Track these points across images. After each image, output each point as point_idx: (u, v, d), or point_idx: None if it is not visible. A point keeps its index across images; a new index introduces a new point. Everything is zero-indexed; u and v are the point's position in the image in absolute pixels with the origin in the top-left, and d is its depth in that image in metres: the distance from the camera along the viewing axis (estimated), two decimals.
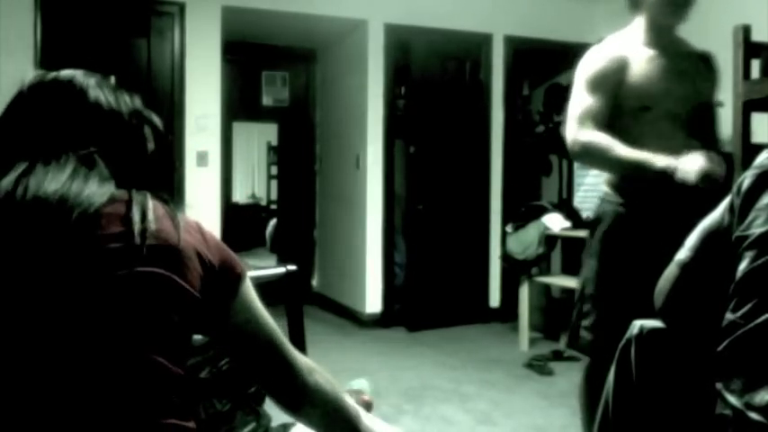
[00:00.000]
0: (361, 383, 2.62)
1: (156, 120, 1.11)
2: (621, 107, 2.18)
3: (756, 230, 1.19)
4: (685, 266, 1.35)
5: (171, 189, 1.13)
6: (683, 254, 1.36)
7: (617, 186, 2.27)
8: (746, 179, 1.26)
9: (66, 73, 1.05)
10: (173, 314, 0.94)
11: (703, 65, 2.29)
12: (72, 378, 0.88)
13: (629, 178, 2.19)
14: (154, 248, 0.93)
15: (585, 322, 2.25)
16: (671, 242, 1.99)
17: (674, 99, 2.17)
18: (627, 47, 2.22)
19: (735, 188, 1.28)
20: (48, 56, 4.38)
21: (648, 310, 1.43)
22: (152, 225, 0.94)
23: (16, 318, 0.87)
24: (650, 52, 2.19)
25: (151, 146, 1.09)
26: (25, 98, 1.03)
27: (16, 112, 1.03)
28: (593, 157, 2.19)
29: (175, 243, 0.95)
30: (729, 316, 1.20)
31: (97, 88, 1.05)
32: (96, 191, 0.94)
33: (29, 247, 0.89)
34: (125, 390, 0.89)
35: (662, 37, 2.21)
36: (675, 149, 2.06)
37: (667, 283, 1.38)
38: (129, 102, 1.07)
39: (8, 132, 1.02)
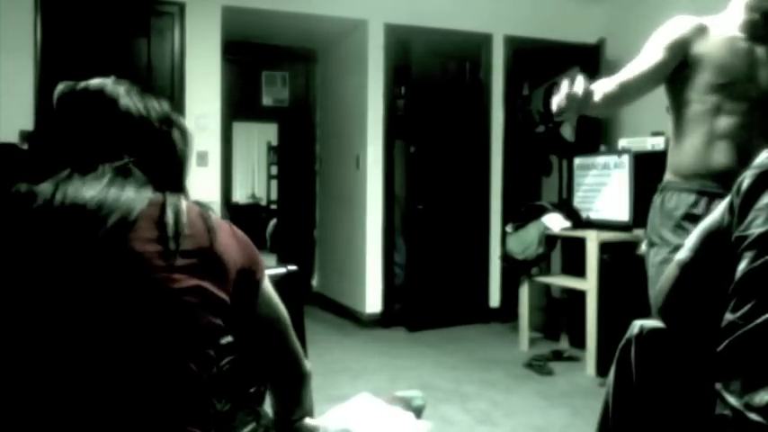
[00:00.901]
0: (414, 393, 2.60)
1: (184, 123, 1.13)
2: (698, 84, 2.13)
3: (756, 230, 1.19)
4: (685, 266, 1.35)
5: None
6: (682, 254, 1.36)
7: (679, 173, 2.20)
8: (746, 179, 1.26)
9: (95, 83, 1.06)
10: (205, 320, 0.95)
11: None
12: (103, 380, 0.88)
13: (694, 162, 2.13)
14: (188, 253, 0.93)
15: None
16: None
17: (754, 82, 2.12)
18: (716, 24, 2.17)
19: (735, 188, 1.28)
20: (48, 56, 4.38)
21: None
22: (186, 229, 0.95)
23: (53, 321, 0.88)
24: (740, 35, 2.14)
25: (182, 148, 1.10)
26: (57, 110, 1.04)
27: (49, 124, 1.04)
28: (596, 111, 2.13)
29: (208, 246, 0.97)
30: (729, 316, 1.20)
31: (126, 96, 1.05)
32: (135, 196, 0.95)
33: (67, 252, 0.90)
34: (158, 396, 0.90)
35: (756, 25, 2.14)
36: (746, 129, 2.06)
37: (667, 283, 1.38)
38: (157, 107, 1.08)
39: (42, 144, 1.04)
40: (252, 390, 2.40)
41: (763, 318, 1.13)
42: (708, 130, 2.12)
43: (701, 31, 2.15)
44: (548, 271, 4.93)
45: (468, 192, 5.59)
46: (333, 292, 6.15)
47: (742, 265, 1.19)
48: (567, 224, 4.49)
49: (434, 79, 5.46)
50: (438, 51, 5.47)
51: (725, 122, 2.11)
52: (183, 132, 1.12)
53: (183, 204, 0.99)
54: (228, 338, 2.79)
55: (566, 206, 4.76)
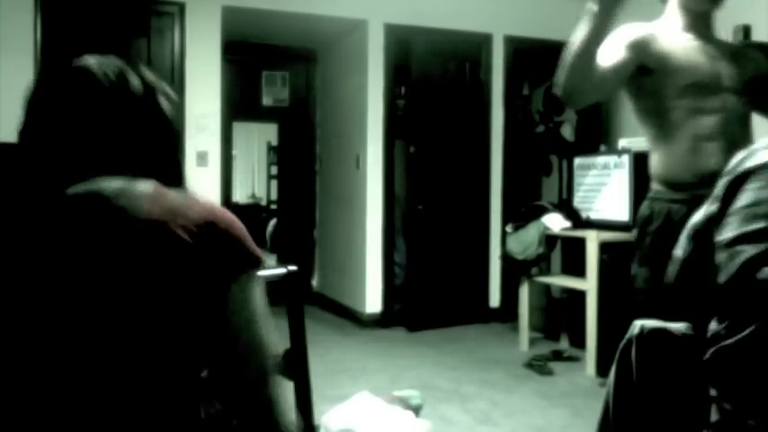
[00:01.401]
0: (414, 397, 2.58)
1: (169, 90, 1.08)
2: (669, 88, 2.07)
3: (728, 235, 1.20)
4: (682, 262, 1.36)
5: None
6: (678, 250, 1.37)
7: (668, 182, 2.10)
8: (719, 186, 1.27)
9: (80, 62, 1.04)
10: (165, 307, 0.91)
11: (745, 48, 2.21)
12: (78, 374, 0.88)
13: (681, 169, 2.04)
14: (147, 227, 0.92)
15: None
16: None
17: (723, 76, 2.07)
18: (662, 30, 2.13)
19: (712, 196, 1.30)
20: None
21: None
22: (152, 209, 0.93)
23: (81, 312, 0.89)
24: (688, 35, 2.10)
25: (172, 115, 1.06)
26: (41, 91, 1.03)
27: (38, 105, 1.02)
28: (568, 70, 2.03)
29: (169, 227, 0.93)
30: (713, 326, 1.20)
31: (98, 67, 1.03)
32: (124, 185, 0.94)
33: (64, 241, 0.90)
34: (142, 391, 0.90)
35: (698, 23, 2.11)
36: (726, 126, 2.01)
37: (670, 278, 1.39)
38: (139, 78, 1.05)
39: (34, 126, 1.01)
40: None
41: (742, 334, 1.13)
42: (690, 133, 2.05)
43: (654, 36, 2.09)
44: (548, 271, 4.93)
45: (468, 192, 5.59)
46: (333, 292, 6.15)
47: (720, 276, 1.20)
48: (567, 224, 4.49)
49: (434, 79, 5.46)
50: (438, 51, 5.47)
51: (706, 123, 2.05)
52: (170, 99, 1.07)
53: (151, 187, 0.95)
54: None
55: (566, 206, 4.76)
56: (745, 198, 1.22)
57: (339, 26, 5.57)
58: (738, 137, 2.03)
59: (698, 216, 1.34)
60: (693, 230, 1.34)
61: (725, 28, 2.71)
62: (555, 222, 4.53)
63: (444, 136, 5.48)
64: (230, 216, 1.00)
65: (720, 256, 1.20)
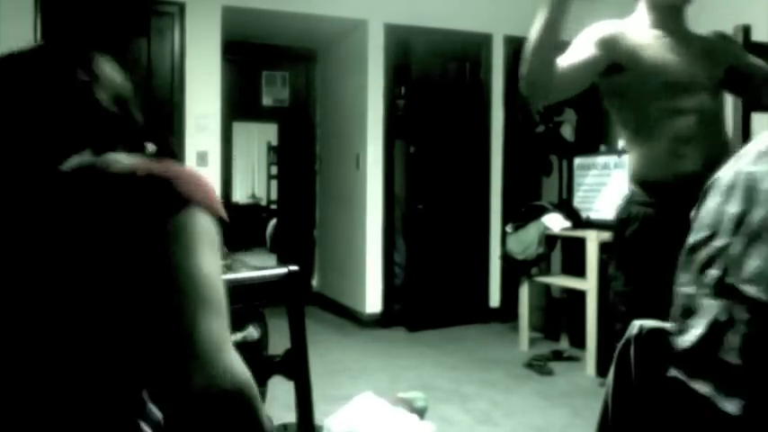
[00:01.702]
0: (416, 394, 2.56)
1: (109, 68, 1.04)
2: (641, 88, 2.01)
3: (690, 240, 1.27)
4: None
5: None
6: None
7: (645, 183, 2.04)
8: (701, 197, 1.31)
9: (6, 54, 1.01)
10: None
11: (718, 40, 2.15)
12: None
13: (658, 171, 1.98)
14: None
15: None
16: None
17: (697, 75, 2.01)
18: (633, 26, 2.09)
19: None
20: None
21: None
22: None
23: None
24: (659, 32, 2.05)
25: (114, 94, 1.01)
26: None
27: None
28: (527, 64, 2.00)
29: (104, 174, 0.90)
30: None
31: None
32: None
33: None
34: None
35: (669, 19, 2.06)
36: (704, 126, 1.96)
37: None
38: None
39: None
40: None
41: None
42: (667, 134, 1.98)
43: (624, 33, 2.04)
44: (548, 271, 4.93)
45: (468, 192, 5.59)
46: (333, 292, 6.15)
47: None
48: (567, 224, 4.49)
49: (434, 79, 5.46)
50: (438, 51, 5.47)
51: (683, 124, 1.97)
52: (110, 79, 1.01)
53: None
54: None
55: (566, 206, 4.76)
56: (702, 209, 1.28)
57: (339, 26, 5.57)
58: (715, 138, 1.99)
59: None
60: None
61: (725, 28, 2.71)
62: (555, 222, 4.53)
63: (444, 136, 5.49)
64: (181, 169, 0.91)
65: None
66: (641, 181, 2.04)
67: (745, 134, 2.68)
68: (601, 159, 4.55)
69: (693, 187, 1.85)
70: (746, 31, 2.63)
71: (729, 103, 2.69)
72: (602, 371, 3.90)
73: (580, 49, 2.01)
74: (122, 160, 0.92)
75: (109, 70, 1.04)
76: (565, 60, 1.99)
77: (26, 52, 1.01)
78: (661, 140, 1.99)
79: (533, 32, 1.92)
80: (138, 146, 1.01)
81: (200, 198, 0.87)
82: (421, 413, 2.53)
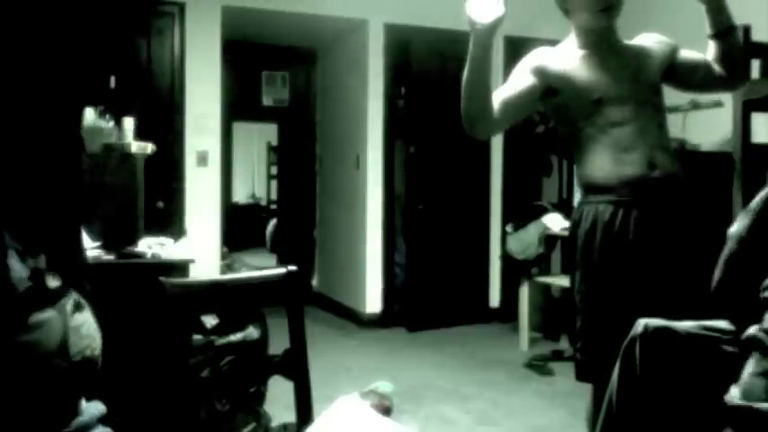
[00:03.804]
0: (384, 386, 2.57)
1: None
2: (576, 107, 2.09)
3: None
4: (742, 241, 1.36)
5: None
6: (737, 229, 1.38)
7: (593, 186, 2.09)
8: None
9: None
10: None
11: (651, 44, 2.19)
12: None
13: (603, 177, 2.04)
14: None
15: (579, 344, 2.07)
16: (657, 244, 1.97)
17: (628, 87, 2.07)
18: (563, 50, 2.18)
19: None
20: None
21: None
22: None
23: None
24: (587, 52, 2.13)
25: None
26: None
27: None
28: (463, 103, 2.03)
29: None
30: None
31: None
32: None
33: None
34: None
35: (598, 39, 2.13)
36: (642, 133, 2.01)
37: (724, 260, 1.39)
38: None
39: None
40: (252, 390, 2.39)
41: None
42: (608, 146, 2.03)
43: (554, 58, 2.14)
44: (548, 271, 4.93)
45: (468, 192, 5.59)
46: (333, 292, 6.15)
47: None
48: (567, 224, 4.48)
49: (434, 79, 5.46)
50: (438, 51, 5.47)
51: (621, 134, 2.03)
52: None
53: None
54: (228, 338, 2.77)
55: (566, 206, 4.76)
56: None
57: (339, 26, 5.57)
58: (656, 141, 2.03)
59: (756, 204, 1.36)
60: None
61: None
62: (555, 222, 4.53)
63: (444, 136, 5.48)
64: None
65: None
66: (590, 186, 2.10)
67: (745, 134, 2.68)
68: None
69: (639, 187, 1.99)
70: (746, 31, 2.63)
71: (729, 103, 2.70)
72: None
73: (516, 80, 2.12)
74: None
75: None
76: (502, 93, 2.09)
77: None
78: (603, 152, 2.05)
79: (464, 78, 1.99)
80: None
81: None
82: (387, 398, 2.56)
